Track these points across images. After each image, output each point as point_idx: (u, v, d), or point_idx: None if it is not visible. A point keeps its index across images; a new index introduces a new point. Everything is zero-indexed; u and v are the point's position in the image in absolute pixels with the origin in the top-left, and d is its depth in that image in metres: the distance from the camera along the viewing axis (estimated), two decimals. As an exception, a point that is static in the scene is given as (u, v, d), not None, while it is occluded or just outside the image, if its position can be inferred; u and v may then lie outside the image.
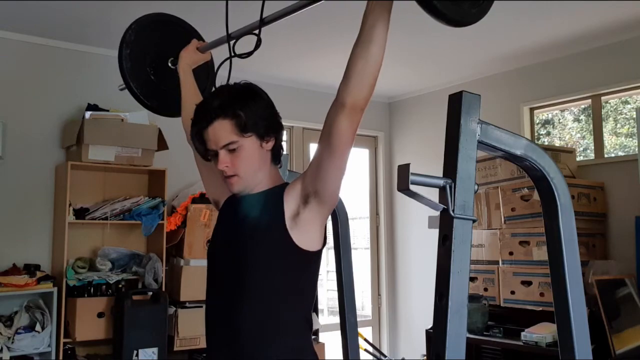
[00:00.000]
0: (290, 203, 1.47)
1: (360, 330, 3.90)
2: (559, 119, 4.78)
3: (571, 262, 1.40)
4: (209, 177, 1.76)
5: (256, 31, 1.79)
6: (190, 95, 1.92)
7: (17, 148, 3.73)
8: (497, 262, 3.88)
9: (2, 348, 3.28)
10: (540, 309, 3.56)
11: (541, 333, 3.39)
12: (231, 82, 1.60)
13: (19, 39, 3.81)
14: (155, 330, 3.61)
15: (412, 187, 1.19)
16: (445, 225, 1.22)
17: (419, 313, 5.08)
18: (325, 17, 3.44)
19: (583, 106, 4.45)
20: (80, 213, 3.69)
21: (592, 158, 4.20)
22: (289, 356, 1.45)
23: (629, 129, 4.29)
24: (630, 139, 4.21)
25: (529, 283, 3.66)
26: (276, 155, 1.57)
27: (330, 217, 2.34)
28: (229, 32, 1.88)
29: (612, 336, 3.25)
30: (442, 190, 1.23)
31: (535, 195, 3.56)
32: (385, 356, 4.62)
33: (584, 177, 4.03)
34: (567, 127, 4.75)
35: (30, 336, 3.36)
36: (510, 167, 3.81)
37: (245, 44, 1.84)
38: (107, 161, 3.70)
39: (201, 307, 3.78)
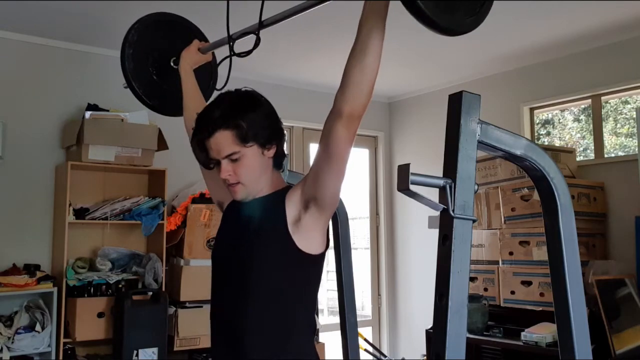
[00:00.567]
0: (291, 208, 1.49)
1: (360, 330, 3.90)
2: (559, 119, 4.78)
3: (571, 262, 1.40)
4: (213, 180, 1.78)
5: (255, 32, 1.80)
6: (192, 96, 1.93)
7: (17, 148, 3.73)
8: (497, 262, 3.88)
9: (2, 348, 3.28)
10: (540, 309, 3.56)
11: (541, 333, 3.39)
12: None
13: (19, 39, 3.81)
14: (155, 330, 3.60)
15: (412, 187, 1.19)
16: (445, 225, 1.22)
17: (419, 313, 5.08)
18: (325, 17, 3.44)
19: (583, 106, 4.45)
20: (80, 213, 3.69)
21: (592, 158, 4.20)
22: (290, 355, 1.46)
23: (629, 129, 4.29)
24: (630, 139, 4.21)
25: (529, 283, 3.66)
26: (278, 160, 1.58)
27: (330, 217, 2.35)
28: (230, 32, 1.89)
29: (612, 336, 3.25)
30: (442, 190, 1.23)
31: (535, 195, 3.56)
32: (385, 356, 4.62)
33: (584, 177, 4.03)
34: (567, 127, 4.75)
35: (30, 336, 3.36)
36: (510, 167, 3.81)
37: (246, 42, 1.86)
38: (107, 161, 3.70)
39: (201, 307, 3.79)
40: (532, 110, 4.57)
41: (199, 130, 1.51)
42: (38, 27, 3.71)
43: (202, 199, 3.91)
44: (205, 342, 3.71)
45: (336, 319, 2.49)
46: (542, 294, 3.56)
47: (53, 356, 3.42)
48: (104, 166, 3.76)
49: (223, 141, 1.48)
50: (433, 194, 1.22)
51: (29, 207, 3.76)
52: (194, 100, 1.89)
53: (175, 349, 3.76)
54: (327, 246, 1.54)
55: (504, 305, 3.79)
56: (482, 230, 3.97)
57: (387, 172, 5.58)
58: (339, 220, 2.33)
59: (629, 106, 4.33)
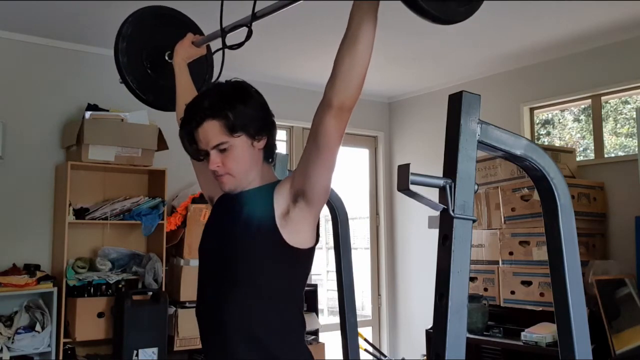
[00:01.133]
0: (280, 201, 1.46)
1: (360, 330, 3.90)
2: (559, 119, 4.78)
3: (571, 262, 1.40)
4: (204, 174, 1.76)
5: (248, 24, 1.80)
6: (185, 90, 1.91)
7: (17, 148, 3.73)
8: (497, 262, 3.88)
9: (2, 348, 3.28)
10: (540, 309, 3.56)
11: (541, 333, 3.39)
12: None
13: (19, 39, 3.81)
14: (155, 330, 3.61)
15: (412, 187, 1.19)
16: (445, 225, 1.22)
17: (419, 313, 5.08)
18: (326, 16, 3.44)
19: (583, 106, 4.45)
20: (80, 213, 3.69)
21: (592, 158, 4.20)
22: (278, 352, 1.44)
23: (629, 129, 4.29)
24: (630, 139, 4.21)
25: (529, 283, 3.66)
26: (269, 153, 1.57)
27: (330, 217, 2.35)
28: (224, 26, 1.89)
29: (612, 336, 3.25)
30: (442, 190, 1.23)
31: (535, 195, 3.56)
32: (385, 356, 4.62)
33: (584, 177, 4.03)
34: (567, 127, 4.75)
35: (30, 336, 3.36)
36: (510, 167, 3.81)
37: (242, 38, 1.85)
38: (107, 161, 3.70)
39: (201, 307, 3.79)
40: (532, 110, 4.57)
41: (187, 120, 1.50)
42: (38, 27, 3.72)
43: (202, 199, 3.91)
44: (205, 342, 3.71)
45: (336, 319, 2.49)
46: (542, 294, 3.56)
47: (53, 356, 3.42)
48: (104, 166, 3.76)
49: (211, 131, 1.47)
50: (433, 194, 1.22)
51: (29, 207, 3.76)
52: (187, 94, 1.85)
53: (175, 349, 3.76)
54: (317, 241, 1.52)
55: (504, 305, 3.79)
56: (482, 230, 3.97)
57: (387, 172, 5.58)
58: (339, 220, 2.32)
59: (629, 106, 4.33)
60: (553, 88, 4.33)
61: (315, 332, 4.47)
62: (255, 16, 1.77)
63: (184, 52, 1.99)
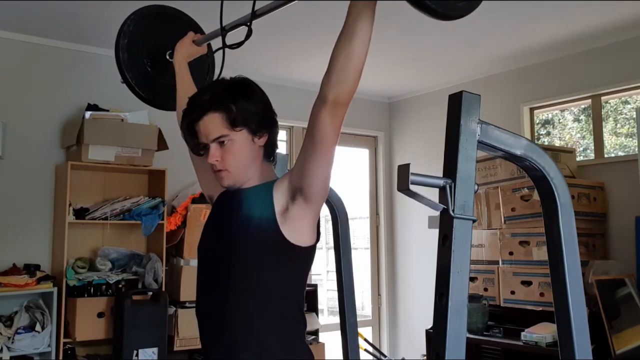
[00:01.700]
0: (279, 199, 1.46)
1: (360, 330, 3.90)
2: (559, 119, 4.78)
3: (571, 262, 1.40)
4: (203, 173, 1.75)
5: (248, 23, 1.80)
6: (185, 89, 1.90)
7: (17, 148, 3.73)
8: (497, 262, 3.88)
9: (2, 348, 3.28)
10: (540, 309, 3.56)
11: (541, 333, 3.39)
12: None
13: (19, 39, 3.81)
14: (155, 330, 3.60)
15: (412, 187, 1.19)
16: (445, 225, 1.22)
17: (419, 313, 5.08)
18: (326, 15, 3.44)
19: (583, 106, 4.45)
20: (80, 213, 3.69)
21: (592, 158, 4.20)
22: (278, 351, 1.43)
23: (629, 129, 4.29)
24: (630, 139, 4.22)
25: (529, 283, 3.66)
26: (269, 151, 1.56)
27: (330, 217, 2.35)
28: (223, 25, 1.89)
29: (612, 336, 3.25)
30: (442, 190, 1.23)
31: (535, 195, 3.56)
32: (385, 356, 4.62)
33: (584, 177, 4.03)
34: (567, 127, 4.75)
35: (30, 336, 3.36)
36: (510, 167, 3.81)
37: (242, 37, 1.85)
38: (107, 161, 3.70)
39: (201, 307, 3.79)
40: (532, 110, 4.57)
41: (189, 112, 1.50)
42: (38, 27, 3.72)
43: (202, 199, 3.91)
44: (205, 342, 3.71)
45: (336, 319, 2.49)
46: (542, 294, 3.56)
47: (53, 356, 3.42)
48: (104, 166, 3.76)
49: (211, 124, 1.46)
50: (433, 194, 1.22)
51: (29, 207, 3.76)
52: (187, 93, 1.84)
53: (175, 349, 3.76)
54: (318, 239, 1.51)
55: (504, 305, 3.79)
56: (482, 230, 3.97)
57: (387, 172, 5.58)
58: (339, 220, 2.32)
59: (629, 106, 4.33)
60: (553, 88, 4.33)
61: (315, 332, 4.47)
62: (255, 14, 1.77)
63: (184, 51, 1.99)
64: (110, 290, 3.67)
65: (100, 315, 3.59)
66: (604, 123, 4.21)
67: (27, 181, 3.77)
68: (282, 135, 5.07)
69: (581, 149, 4.48)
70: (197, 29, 2.17)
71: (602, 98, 4.16)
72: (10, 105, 3.76)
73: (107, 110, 3.82)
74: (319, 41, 3.96)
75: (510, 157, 1.40)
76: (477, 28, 3.72)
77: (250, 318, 1.44)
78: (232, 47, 1.88)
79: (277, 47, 4.06)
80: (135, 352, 3.50)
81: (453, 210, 1.21)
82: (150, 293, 3.70)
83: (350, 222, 2.36)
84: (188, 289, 3.81)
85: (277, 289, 1.46)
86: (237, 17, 1.89)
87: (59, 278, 3.57)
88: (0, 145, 3.58)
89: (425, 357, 4.51)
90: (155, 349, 3.57)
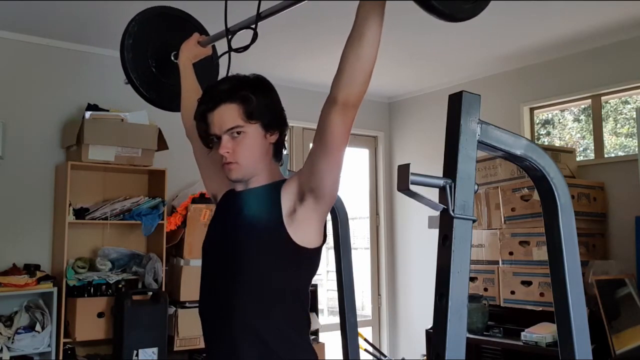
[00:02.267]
0: (287, 200, 1.45)
1: (360, 330, 3.90)
2: (559, 119, 4.78)
3: (571, 262, 1.40)
4: (208, 171, 1.75)
5: (253, 25, 1.80)
6: (190, 90, 1.91)
7: (17, 148, 3.73)
8: (497, 262, 3.88)
9: (2, 348, 3.28)
10: (540, 309, 3.56)
11: (541, 333, 3.39)
12: None
13: (19, 39, 3.81)
14: (155, 330, 3.60)
15: (412, 187, 1.18)
16: (445, 225, 1.22)
17: (419, 313, 5.08)
18: (327, 16, 3.44)
19: (583, 106, 4.45)
20: (80, 213, 3.69)
21: (592, 158, 4.20)
22: (282, 351, 1.43)
23: (629, 129, 4.29)
24: (630, 139, 4.21)
25: (529, 283, 3.66)
26: (278, 150, 1.56)
27: (330, 217, 2.35)
28: (228, 27, 1.89)
29: (612, 336, 3.25)
30: (442, 190, 1.23)
31: (535, 195, 3.56)
32: (385, 356, 4.62)
33: (584, 177, 4.03)
34: (567, 127, 4.75)
35: (30, 336, 3.36)
36: (510, 167, 3.81)
37: (246, 40, 1.85)
38: (107, 161, 3.70)
39: (201, 307, 3.79)
40: (532, 110, 4.57)
41: (205, 101, 1.50)
42: (38, 27, 3.72)
43: (202, 199, 3.92)
44: (205, 342, 3.71)
45: (336, 319, 2.49)
46: (542, 294, 3.56)
47: (53, 356, 3.42)
48: (104, 166, 3.76)
49: (227, 113, 1.46)
50: (433, 194, 1.22)
51: (29, 207, 3.76)
52: (192, 94, 1.85)
53: (175, 349, 3.76)
54: (324, 241, 1.51)
55: (504, 305, 3.79)
56: (482, 230, 3.97)
57: (387, 172, 5.58)
58: (339, 220, 2.33)
59: (629, 106, 4.33)
60: (553, 88, 4.33)
61: (315, 332, 4.47)
62: (260, 17, 1.77)
63: (189, 52, 1.99)
64: (110, 290, 3.67)
65: (100, 315, 3.59)
66: (604, 123, 4.21)
67: (27, 181, 3.77)
68: (282, 135, 5.07)
69: (581, 149, 4.48)
70: (202, 31, 2.17)
71: (602, 98, 4.16)
72: (10, 105, 3.76)
73: (107, 110, 3.82)
74: (319, 42, 3.97)
75: (510, 157, 1.40)
76: (477, 28, 3.72)
77: (254, 318, 1.44)
78: (237, 50, 1.87)
79: (277, 47, 4.06)
80: (135, 352, 3.50)
81: (453, 210, 1.20)
82: (150, 293, 3.70)
83: (350, 222, 2.36)
84: (188, 289, 3.81)
85: (283, 290, 1.46)
86: (241, 18, 1.89)
87: (59, 278, 3.57)
88: (0, 146, 3.58)
89: (425, 357, 4.51)
90: (155, 349, 3.57)
